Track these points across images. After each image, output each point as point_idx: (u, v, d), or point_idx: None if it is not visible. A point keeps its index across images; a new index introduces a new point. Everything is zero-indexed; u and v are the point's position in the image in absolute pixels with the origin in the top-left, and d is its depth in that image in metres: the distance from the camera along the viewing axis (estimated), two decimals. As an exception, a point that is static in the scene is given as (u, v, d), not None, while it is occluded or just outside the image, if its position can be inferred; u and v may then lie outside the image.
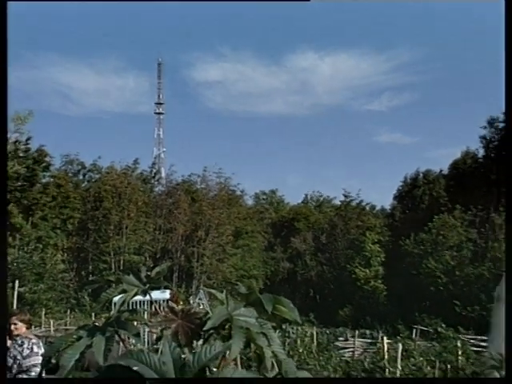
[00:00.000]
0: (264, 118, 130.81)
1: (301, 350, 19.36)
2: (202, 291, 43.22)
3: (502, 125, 57.49)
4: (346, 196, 68.71)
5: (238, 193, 71.68)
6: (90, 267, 61.79)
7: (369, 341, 27.88)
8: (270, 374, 3.37)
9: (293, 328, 27.33)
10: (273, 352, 3.29)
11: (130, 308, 3.09)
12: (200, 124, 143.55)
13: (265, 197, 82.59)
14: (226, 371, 2.71)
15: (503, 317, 13.86)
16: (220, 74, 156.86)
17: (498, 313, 14.84)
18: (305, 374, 3.54)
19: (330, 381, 3.32)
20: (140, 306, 25.48)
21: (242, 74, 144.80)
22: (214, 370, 2.81)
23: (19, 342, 8.26)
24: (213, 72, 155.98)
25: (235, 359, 3.27)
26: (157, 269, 3.48)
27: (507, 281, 4.09)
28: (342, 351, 24.76)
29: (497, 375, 4.81)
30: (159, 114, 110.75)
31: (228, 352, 3.18)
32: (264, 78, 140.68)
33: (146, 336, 13.32)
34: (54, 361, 2.98)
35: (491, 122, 58.69)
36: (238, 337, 3.16)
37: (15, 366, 8.08)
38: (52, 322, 38.00)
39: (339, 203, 70.79)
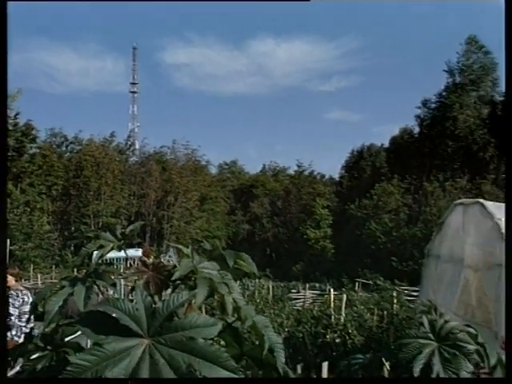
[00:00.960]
0: (227, 96, 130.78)
1: (258, 301, 19.50)
2: (172, 249, 43.17)
3: (433, 105, 57.90)
4: (299, 166, 68.99)
5: (204, 163, 71.66)
6: (72, 228, 61.61)
7: (318, 292, 28.09)
8: (231, 319, 3.40)
9: (251, 282, 27.47)
10: (233, 299, 3.33)
11: (108, 263, 3.11)
12: (170, 102, 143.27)
13: (227, 167, 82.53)
14: (191, 316, 2.73)
15: (432, 270, 13.97)
16: (188, 58, 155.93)
17: (428, 267, 15.04)
18: (261, 319, 3.57)
19: (330, 381, 3.33)
20: (117, 262, 25.46)
21: (208, 57, 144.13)
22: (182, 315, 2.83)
23: (12, 293, 8.32)
24: (182, 55, 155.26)
25: (200, 307, 3.30)
26: (130, 227, 3.50)
27: (507, 278, 3.94)
28: (294, 301, 24.94)
29: (425, 319, 4.90)
30: (133, 92, 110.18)
31: (194, 299, 3.20)
32: (227, 61, 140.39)
33: (121, 287, 13.35)
34: (40, 309, 2.99)
35: (424, 103, 59.12)
36: (202, 286, 3.19)
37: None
38: (39, 276, 38.05)
39: (293, 173, 70.98)
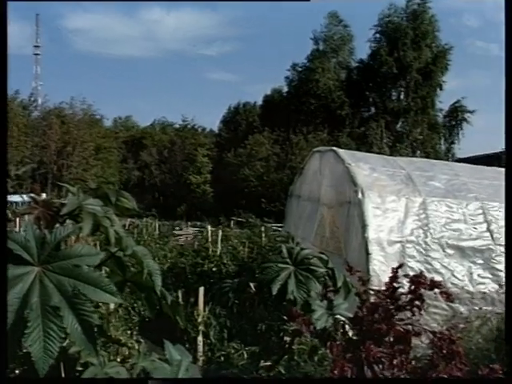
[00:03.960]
0: (121, 59, 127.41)
1: (146, 237, 19.47)
2: (70, 194, 42.23)
3: (300, 69, 58.49)
4: (183, 121, 68.37)
5: (98, 117, 69.83)
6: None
7: (198, 229, 28.24)
8: (113, 249, 3.38)
9: (141, 221, 27.31)
10: (115, 231, 3.32)
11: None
12: (70, 63, 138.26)
13: (121, 120, 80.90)
14: (77, 246, 2.71)
15: (294, 208, 14.23)
16: (85, 24, 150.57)
17: (290, 205, 15.33)
18: (140, 249, 3.58)
19: (329, 381, 3.33)
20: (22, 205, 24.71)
21: (103, 23, 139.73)
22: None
23: None
24: (79, 22, 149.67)
25: (86, 239, 3.27)
26: (23, 169, 3.42)
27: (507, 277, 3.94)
28: (178, 237, 25.01)
29: (284, 247, 5.05)
30: (37, 54, 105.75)
31: (80, 232, 3.17)
32: (121, 27, 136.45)
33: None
34: None
35: (293, 66, 59.55)
36: (87, 220, 3.16)
37: None
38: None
39: (178, 126, 70.42)
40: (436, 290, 3.62)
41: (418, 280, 3.60)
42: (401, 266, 3.84)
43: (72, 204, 3.25)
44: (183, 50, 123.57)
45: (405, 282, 3.78)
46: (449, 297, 3.66)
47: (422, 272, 3.76)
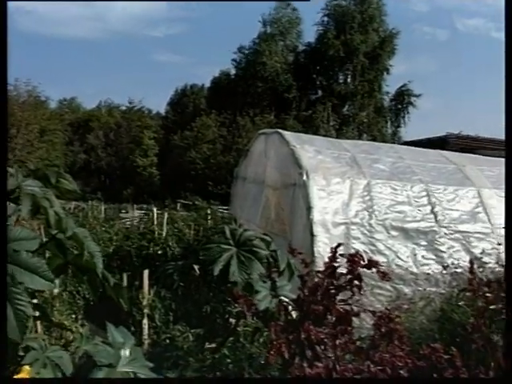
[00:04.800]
0: (66, 40, 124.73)
1: (91, 220, 19.22)
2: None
3: (247, 51, 58.38)
4: (130, 103, 67.58)
5: (43, 98, 68.44)
6: None
7: (144, 212, 28.05)
8: (54, 231, 3.34)
9: (86, 204, 27.00)
10: (55, 212, 3.27)
11: None
12: (14, 44, 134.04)
13: (66, 102, 79.44)
14: (15, 230, 2.67)
15: (239, 190, 14.25)
16: (31, 4, 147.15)
17: (236, 187, 15.36)
18: (81, 230, 3.54)
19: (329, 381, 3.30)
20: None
21: (49, 4, 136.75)
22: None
23: None
24: (25, 3, 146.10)
25: (30, 222, 3.21)
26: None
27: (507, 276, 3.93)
28: (123, 220, 24.77)
29: (227, 228, 5.06)
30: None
31: (20, 213, 3.12)
32: (67, 8, 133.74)
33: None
34: None
35: (240, 49, 59.40)
36: (26, 201, 3.11)
37: None
38: None
39: (125, 108, 69.57)
40: (373, 270, 3.68)
41: (354, 259, 3.65)
42: (339, 245, 3.88)
43: (10, 185, 3.19)
44: (130, 31, 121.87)
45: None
46: (385, 276, 3.73)
47: (359, 251, 3.81)
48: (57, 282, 7.79)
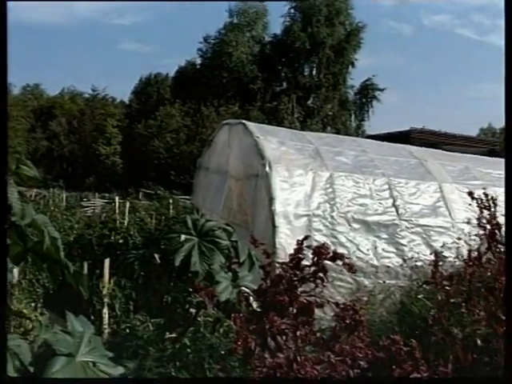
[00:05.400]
0: (31, 25, 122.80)
1: (52, 208, 19.03)
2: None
3: (213, 41, 58.18)
4: (93, 90, 66.95)
5: (6, 84, 67.37)
6: None
7: (106, 201, 27.84)
8: (14, 218, 3.27)
9: (48, 192, 26.70)
10: (13, 199, 3.20)
11: None
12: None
13: (29, 88, 78.22)
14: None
15: (202, 180, 14.23)
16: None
17: (199, 177, 15.33)
18: (41, 217, 3.48)
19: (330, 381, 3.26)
20: None
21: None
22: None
23: None
24: None
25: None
26: None
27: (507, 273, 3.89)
28: (85, 209, 24.57)
29: (188, 218, 5.03)
30: None
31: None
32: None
33: None
34: None
35: (206, 39, 59.15)
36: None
37: None
38: None
39: (88, 95, 68.88)
40: (339, 262, 3.69)
41: (320, 251, 3.65)
42: (306, 237, 3.89)
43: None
44: (96, 18, 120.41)
45: (310, 254, 3.84)
46: (351, 268, 3.74)
47: (324, 243, 3.82)
48: (16, 269, 7.71)
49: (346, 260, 3.73)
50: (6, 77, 3.11)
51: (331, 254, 3.69)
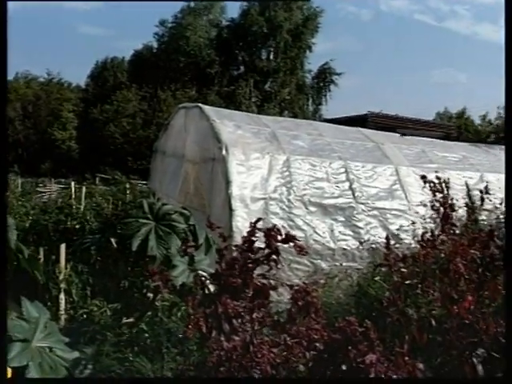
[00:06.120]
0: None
1: (7, 193, 18.67)
2: None
3: (170, 25, 57.65)
4: (49, 74, 65.81)
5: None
6: None
7: (63, 186, 27.50)
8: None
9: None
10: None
11: None
12: None
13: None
14: None
15: (159, 164, 14.13)
16: None
17: (155, 162, 15.24)
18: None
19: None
20: None
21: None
22: None
23: None
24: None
25: None
26: None
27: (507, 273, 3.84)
28: (41, 194, 24.23)
29: (145, 202, 4.99)
30: None
31: None
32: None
33: None
34: None
35: (162, 22, 58.53)
36: None
37: None
38: None
39: (44, 80, 67.69)
40: (291, 244, 3.70)
41: (270, 233, 3.66)
42: (259, 220, 3.88)
43: None
44: (50, 2, 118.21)
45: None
46: (302, 250, 3.75)
47: (276, 226, 3.82)
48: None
49: (298, 242, 3.74)
50: (6, 77, 3.03)
51: (283, 237, 3.70)
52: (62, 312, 8.27)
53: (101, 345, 5.71)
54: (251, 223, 3.85)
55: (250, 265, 3.68)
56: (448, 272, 4.16)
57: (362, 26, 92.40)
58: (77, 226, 12.41)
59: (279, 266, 3.74)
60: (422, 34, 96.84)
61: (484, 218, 9.65)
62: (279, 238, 3.66)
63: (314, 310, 3.52)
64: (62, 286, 8.45)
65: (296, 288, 3.57)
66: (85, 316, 7.20)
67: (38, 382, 2.94)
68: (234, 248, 4.05)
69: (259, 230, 3.77)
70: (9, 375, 2.78)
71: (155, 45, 59.64)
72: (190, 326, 3.40)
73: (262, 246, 3.76)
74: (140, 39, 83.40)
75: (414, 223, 9.43)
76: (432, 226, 5.90)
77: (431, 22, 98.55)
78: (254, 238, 3.72)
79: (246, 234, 3.79)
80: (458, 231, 5.52)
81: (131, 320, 5.85)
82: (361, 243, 9.97)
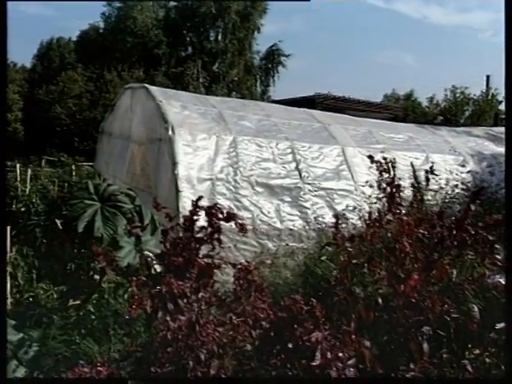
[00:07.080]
0: None
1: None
2: None
3: (118, 5, 56.73)
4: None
5: None
6: None
7: (8, 169, 26.92)
8: None
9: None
10: None
11: None
12: None
13: None
14: None
15: (105, 145, 13.96)
16: None
17: (101, 143, 15.06)
18: None
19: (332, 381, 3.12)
20: None
21: None
22: None
23: None
24: None
25: None
26: None
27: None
28: (-15, 177, 23.64)
29: (90, 183, 4.92)
30: None
31: None
32: None
33: None
34: None
35: (109, 3, 57.51)
36: None
37: None
38: None
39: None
40: (232, 222, 3.70)
41: (212, 212, 3.65)
42: (200, 198, 3.87)
43: None
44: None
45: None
46: (243, 228, 3.75)
47: (216, 204, 3.81)
48: None
49: (240, 220, 3.74)
50: (6, 76, 2.93)
51: (225, 215, 3.69)
52: (8, 296, 8.14)
53: (47, 328, 5.64)
54: (193, 201, 3.84)
55: (193, 244, 3.67)
56: (394, 251, 4.20)
57: (310, 8, 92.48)
58: (22, 209, 12.21)
59: (223, 246, 3.74)
60: (371, 15, 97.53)
61: (430, 198, 9.80)
62: (220, 216, 3.66)
63: (256, 288, 3.54)
64: (8, 269, 8.31)
65: (238, 267, 3.58)
66: (31, 299, 7.10)
67: (38, 381, 2.90)
68: (180, 229, 4.03)
69: (201, 208, 3.75)
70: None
71: (102, 25, 58.67)
72: (133, 307, 3.37)
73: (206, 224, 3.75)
74: (87, 19, 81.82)
75: (359, 204, 9.53)
76: (378, 206, 5.95)
77: (379, 4, 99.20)
78: (196, 217, 3.71)
79: (187, 213, 3.77)
80: (404, 211, 5.59)
81: (77, 302, 5.78)
82: (307, 223, 10.06)
